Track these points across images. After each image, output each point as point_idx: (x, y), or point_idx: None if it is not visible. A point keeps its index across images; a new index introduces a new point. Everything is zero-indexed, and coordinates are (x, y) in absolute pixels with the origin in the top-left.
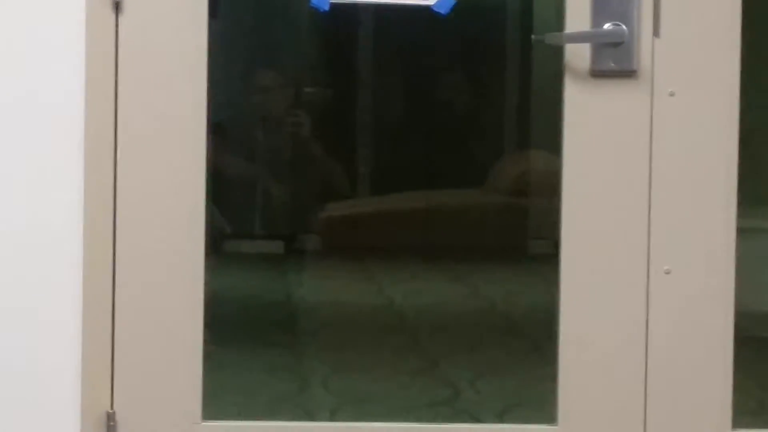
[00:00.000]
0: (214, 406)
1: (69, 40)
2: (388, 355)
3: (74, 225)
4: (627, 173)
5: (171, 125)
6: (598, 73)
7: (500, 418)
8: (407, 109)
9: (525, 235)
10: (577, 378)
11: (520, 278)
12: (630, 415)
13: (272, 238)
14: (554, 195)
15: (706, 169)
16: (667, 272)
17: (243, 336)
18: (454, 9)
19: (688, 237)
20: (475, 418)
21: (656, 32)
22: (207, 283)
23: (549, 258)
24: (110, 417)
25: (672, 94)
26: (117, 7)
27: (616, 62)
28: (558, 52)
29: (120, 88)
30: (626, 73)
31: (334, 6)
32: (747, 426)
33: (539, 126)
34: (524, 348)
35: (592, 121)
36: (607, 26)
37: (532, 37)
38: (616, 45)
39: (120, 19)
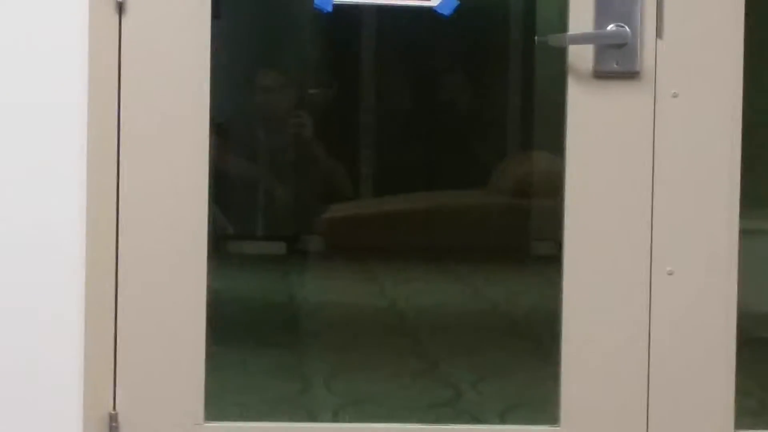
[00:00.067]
0: (217, 406)
1: (72, 41)
2: (390, 356)
3: (77, 225)
4: (630, 174)
5: (174, 125)
6: (601, 75)
7: (502, 419)
8: (410, 110)
9: (528, 236)
10: (580, 379)
11: (523, 279)
12: (632, 416)
13: (274, 239)
14: (557, 196)
15: (709, 170)
16: (670, 273)
17: (245, 337)
18: (457, 10)
19: (691, 238)
20: (477, 419)
21: (659, 33)
22: (209, 284)
23: (551, 259)
24: (113, 418)
25: (675, 96)
26: (120, 8)
27: (619, 63)
28: (561, 54)
29: (123, 88)
30: (629, 74)
31: (337, 7)
32: (749, 427)
33: (542, 127)
34: (526, 349)
35: (595, 122)
36: (610, 27)
37: (536, 38)
38: (619, 46)
39: (123, 19)
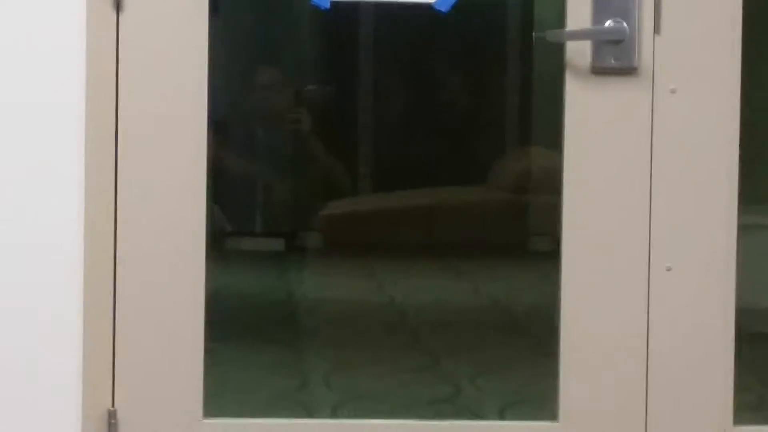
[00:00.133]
0: (215, 403)
1: (69, 39)
2: (389, 353)
3: (75, 222)
4: (628, 170)
5: (172, 123)
6: (599, 71)
7: (501, 415)
8: (408, 106)
9: (526, 232)
10: (579, 374)
11: (521, 275)
12: (631, 411)
13: (273, 235)
14: (555, 192)
15: (708, 166)
16: (668, 269)
17: (244, 333)
18: (455, 7)
19: (689, 234)
20: (477, 415)
21: (657, 29)
22: (208, 281)
23: (550, 255)
24: (111, 415)
25: (673, 92)
26: (118, 5)
27: (617, 59)
28: (559, 50)
29: (121, 85)
30: (627, 70)
31: (335, 4)
32: (748, 422)
33: (540, 123)
34: (525, 345)
35: (593, 119)
36: (608, 23)
37: (533, 34)
38: (617, 42)
39: (121, 17)
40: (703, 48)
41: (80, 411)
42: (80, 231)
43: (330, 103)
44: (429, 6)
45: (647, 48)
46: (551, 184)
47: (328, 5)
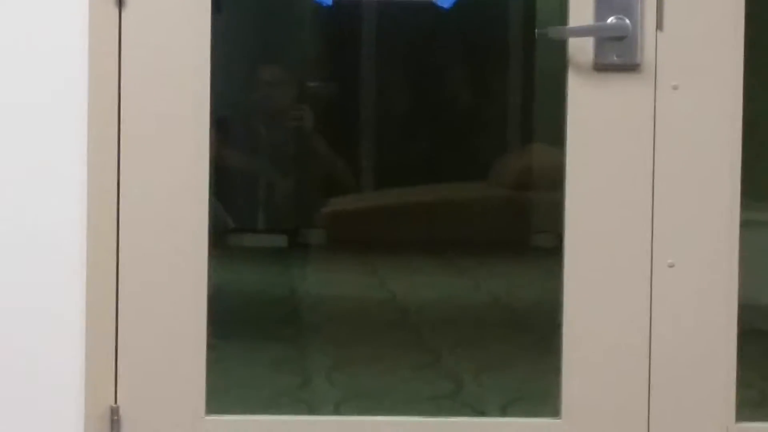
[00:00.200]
0: (218, 400)
1: (71, 37)
2: (391, 349)
3: (77, 221)
4: (630, 167)
5: (174, 120)
6: (601, 67)
7: (503, 411)
8: (411, 103)
9: (528, 229)
10: (581, 371)
11: (524, 272)
12: (634, 408)
13: (276, 232)
14: (558, 188)
15: (710, 162)
16: (671, 266)
17: (246, 330)
18: (457, 3)
19: (692, 230)
20: (479, 412)
21: (660, 26)
22: (210, 278)
23: (552, 251)
24: (114, 411)
25: (675, 88)
26: (120, 2)
27: (619, 56)
28: (561, 46)
29: (123, 82)
30: (630, 66)
31: (337, 1)
32: (751, 418)
33: (543, 120)
34: (527, 341)
35: (595, 115)
36: (610, 20)
37: (536, 31)
38: (620, 39)
39: (123, 14)
40: (705, 44)
41: (83, 408)
42: (83, 229)
43: (332, 100)
44: (431, 3)
45: (650, 44)
46: (553, 181)
47: (330, 2)
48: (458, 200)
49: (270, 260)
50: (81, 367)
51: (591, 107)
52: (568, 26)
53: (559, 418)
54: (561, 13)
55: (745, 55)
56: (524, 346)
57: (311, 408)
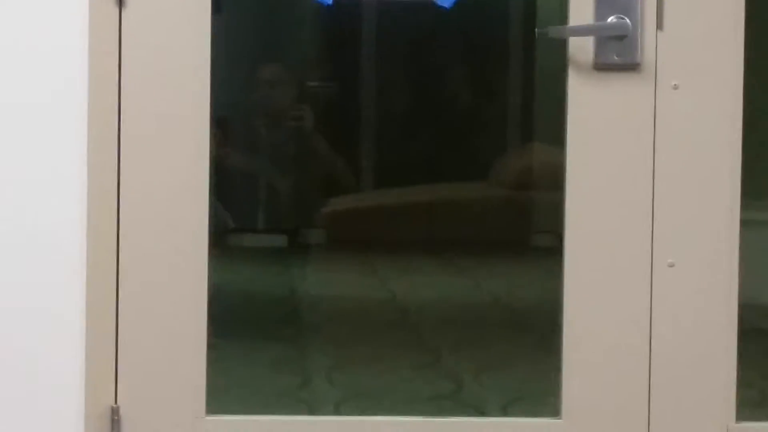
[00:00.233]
0: (218, 400)
1: (71, 37)
2: (391, 349)
3: (77, 221)
4: (630, 166)
5: (174, 121)
6: (601, 67)
7: (504, 411)
8: (411, 103)
9: (528, 229)
10: (581, 371)
11: (524, 272)
12: (634, 408)
13: (276, 232)
14: (558, 188)
15: (710, 162)
16: (671, 265)
17: (246, 330)
18: (457, 3)
19: (692, 230)
20: (479, 412)
21: (660, 25)
22: (210, 278)
23: (553, 251)
24: (114, 411)
25: (676, 87)
26: (120, 2)
27: (619, 55)
28: (561, 46)
29: (123, 82)
30: (630, 66)
31: (337, 0)
32: (751, 418)
33: (543, 119)
34: (528, 341)
35: (595, 115)
36: (610, 19)
37: (536, 30)
38: (620, 38)
39: (123, 13)
40: (706, 44)
41: (83, 408)
42: (83, 229)
43: (332, 100)
44: (432, 2)
45: (650, 44)
46: (554, 181)
47: (330, 2)
48: (458, 200)
49: (270, 260)
50: (81, 367)
51: (591, 107)
52: (568, 25)
53: (560, 418)
54: (561, 13)
55: (745, 55)
56: (524, 346)
57: (311, 408)
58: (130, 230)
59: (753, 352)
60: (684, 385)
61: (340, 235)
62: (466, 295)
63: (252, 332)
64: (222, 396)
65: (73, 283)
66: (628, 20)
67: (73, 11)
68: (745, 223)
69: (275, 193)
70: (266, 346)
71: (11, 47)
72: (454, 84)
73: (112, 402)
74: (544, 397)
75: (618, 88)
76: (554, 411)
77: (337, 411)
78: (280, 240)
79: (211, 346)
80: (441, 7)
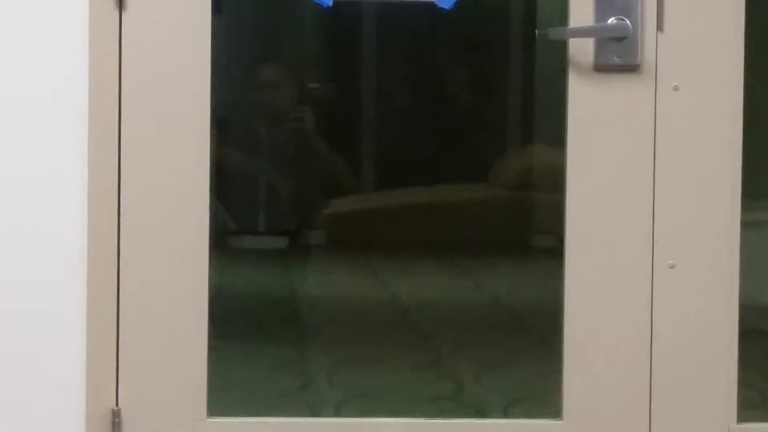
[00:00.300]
0: (219, 402)
1: (72, 38)
2: (392, 350)
3: (78, 222)
4: (631, 167)
5: (174, 122)
6: (601, 68)
7: (505, 412)
8: (411, 104)
9: (529, 230)
10: (582, 372)
11: (524, 272)
12: (635, 409)
13: (276, 233)
14: (558, 189)
15: (711, 163)
16: (672, 266)
17: (247, 331)
18: (458, 4)
19: (693, 231)
20: (480, 413)
21: (660, 26)
22: (211, 279)
23: (553, 252)
24: (115, 414)
25: (676, 88)
26: (120, 4)
27: (619, 57)
28: (561, 47)
29: (123, 83)
30: (630, 67)
31: (337, 2)
32: (752, 419)
33: (543, 120)
34: (529, 342)
35: (596, 116)
36: (611, 21)
37: (536, 32)
38: (620, 39)
39: (123, 15)
40: (706, 45)
41: (84, 410)
42: (83, 230)
43: (333, 101)
44: (432, 4)
45: (650, 45)
46: (554, 182)
47: (330, 3)
48: (459, 201)
49: (271, 261)
50: (82, 368)
51: (591, 108)
52: (568, 27)
53: (561, 419)
54: (561, 14)
55: (745, 55)
56: (525, 347)
57: (312, 409)
58: (131, 231)
59: (754, 353)
60: (685, 386)
61: (340, 237)
62: (467, 296)
63: (253, 333)
64: (223, 397)
65: (74, 284)
66: (628, 21)
67: (74, 11)
68: (745, 224)
69: (276, 195)
70: (267, 348)
71: (12, 47)
72: (455, 85)
73: (113, 404)
74: (545, 398)
75: (618, 89)
76: (555, 412)
77: (338, 412)
78: (280, 241)
79: (212, 348)
80: (441, 8)
